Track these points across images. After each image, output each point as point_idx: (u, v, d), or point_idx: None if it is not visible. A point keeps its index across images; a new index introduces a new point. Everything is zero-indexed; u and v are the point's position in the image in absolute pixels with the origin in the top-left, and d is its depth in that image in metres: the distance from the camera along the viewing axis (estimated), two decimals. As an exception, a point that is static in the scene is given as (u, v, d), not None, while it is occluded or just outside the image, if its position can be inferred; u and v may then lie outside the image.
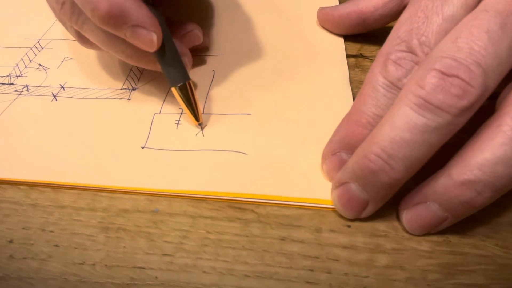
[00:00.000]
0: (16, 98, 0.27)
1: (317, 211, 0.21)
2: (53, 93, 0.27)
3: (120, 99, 0.27)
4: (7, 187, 0.22)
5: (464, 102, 0.16)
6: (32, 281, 0.19)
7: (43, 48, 0.31)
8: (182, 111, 0.26)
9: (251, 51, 0.30)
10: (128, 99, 0.27)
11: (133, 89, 0.27)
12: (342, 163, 0.20)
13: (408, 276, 0.18)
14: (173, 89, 0.24)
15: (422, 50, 0.19)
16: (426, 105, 0.17)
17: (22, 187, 0.22)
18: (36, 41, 0.32)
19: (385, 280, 0.18)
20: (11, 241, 0.20)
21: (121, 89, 0.27)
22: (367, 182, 0.19)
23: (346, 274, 0.18)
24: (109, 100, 0.27)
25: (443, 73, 0.17)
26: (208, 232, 0.20)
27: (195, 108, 0.24)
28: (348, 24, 0.29)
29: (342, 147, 0.21)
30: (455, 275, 0.18)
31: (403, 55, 0.19)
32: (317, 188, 0.21)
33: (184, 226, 0.20)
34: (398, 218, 0.20)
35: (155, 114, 0.26)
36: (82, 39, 0.25)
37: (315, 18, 0.32)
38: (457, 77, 0.16)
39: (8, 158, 0.23)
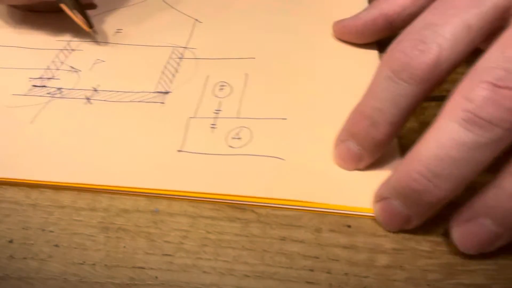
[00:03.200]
0: (50, 101, 0.27)
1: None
2: (87, 96, 0.27)
3: (154, 102, 0.26)
4: (7, 187, 0.22)
5: None
6: (32, 281, 0.19)
7: (73, 50, 0.31)
8: (217, 115, 0.25)
9: (282, 54, 0.29)
10: (162, 102, 0.26)
11: (166, 92, 0.27)
12: (349, 152, 0.21)
13: (408, 276, 0.18)
14: (62, 5, 0.26)
15: (435, 40, 0.18)
16: (475, 119, 0.16)
17: (22, 187, 0.22)
18: (66, 42, 0.31)
19: (385, 280, 0.18)
20: (11, 241, 0.20)
21: (154, 92, 0.27)
22: (410, 200, 0.18)
23: (346, 274, 0.18)
24: (143, 103, 0.26)
25: (494, 85, 0.16)
26: (208, 232, 0.20)
27: (85, 16, 0.27)
28: (374, 31, 0.28)
29: (349, 136, 0.21)
30: (455, 275, 0.18)
31: (412, 43, 0.19)
32: (356, 196, 0.21)
33: (184, 226, 0.20)
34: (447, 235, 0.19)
35: (190, 117, 0.25)
36: None
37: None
38: (510, 88, 0.16)
39: (47, 160, 0.23)
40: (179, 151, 0.23)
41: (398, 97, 0.19)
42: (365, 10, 0.28)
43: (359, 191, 0.21)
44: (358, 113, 0.21)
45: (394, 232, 0.20)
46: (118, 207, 0.21)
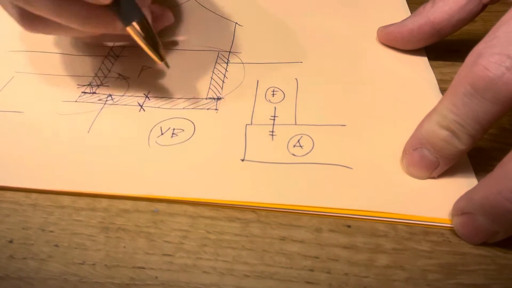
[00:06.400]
0: (103, 108, 0.26)
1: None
2: (139, 102, 0.26)
3: (207, 109, 0.26)
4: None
5: None
6: (32, 281, 0.19)
7: (118, 57, 0.30)
8: (274, 122, 0.25)
9: (329, 58, 0.29)
10: (216, 109, 0.26)
11: (219, 98, 0.26)
12: (423, 159, 0.20)
13: (408, 276, 0.18)
14: (129, 29, 0.22)
15: None
16: None
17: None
18: (109, 48, 0.30)
19: (385, 280, 0.18)
20: (11, 241, 0.20)
21: (206, 99, 0.26)
22: (500, 218, 0.17)
23: (346, 274, 0.18)
24: (197, 110, 0.26)
25: None
26: (208, 232, 0.20)
27: (156, 45, 0.22)
28: (420, 38, 0.27)
29: (424, 144, 0.20)
30: (455, 275, 0.18)
31: (496, 59, 0.17)
32: (430, 206, 0.20)
33: (184, 226, 0.20)
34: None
35: (246, 125, 0.25)
36: (27, 20, 0.23)
37: None
38: None
39: (108, 170, 0.22)
40: (243, 160, 0.23)
41: (481, 115, 0.18)
42: (410, 17, 0.28)
43: (433, 201, 0.21)
44: (435, 123, 0.20)
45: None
46: (118, 207, 0.21)
